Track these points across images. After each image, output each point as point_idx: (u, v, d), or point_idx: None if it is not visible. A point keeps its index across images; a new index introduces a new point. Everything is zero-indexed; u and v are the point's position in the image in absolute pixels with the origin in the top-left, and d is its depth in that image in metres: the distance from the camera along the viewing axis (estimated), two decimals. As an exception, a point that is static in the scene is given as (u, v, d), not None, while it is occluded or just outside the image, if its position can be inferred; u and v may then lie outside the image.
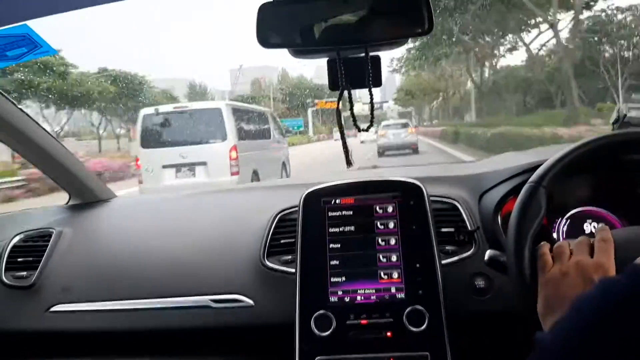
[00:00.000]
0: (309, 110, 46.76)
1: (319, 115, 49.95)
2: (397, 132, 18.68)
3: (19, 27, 1.01)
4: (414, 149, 18.44)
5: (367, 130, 1.07)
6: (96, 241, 1.44)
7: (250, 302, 1.18)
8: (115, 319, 1.24)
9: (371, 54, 0.99)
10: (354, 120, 1.06)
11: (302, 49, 0.96)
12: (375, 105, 1.04)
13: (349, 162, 1.06)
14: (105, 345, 1.29)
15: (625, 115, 1.41)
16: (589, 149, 0.90)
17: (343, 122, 1.05)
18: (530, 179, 0.90)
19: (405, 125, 19.40)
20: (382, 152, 18.47)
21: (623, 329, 0.51)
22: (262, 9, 0.84)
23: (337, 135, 1.11)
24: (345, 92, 1.00)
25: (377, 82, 1.03)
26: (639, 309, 0.52)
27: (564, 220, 1.17)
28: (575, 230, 1.16)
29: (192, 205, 1.60)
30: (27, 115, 1.38)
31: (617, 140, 0.89)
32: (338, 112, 1.07)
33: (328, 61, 1.03)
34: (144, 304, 1.22)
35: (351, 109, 1.07)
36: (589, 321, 0.55)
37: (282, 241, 1.22)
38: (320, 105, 43.45)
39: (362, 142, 24.40)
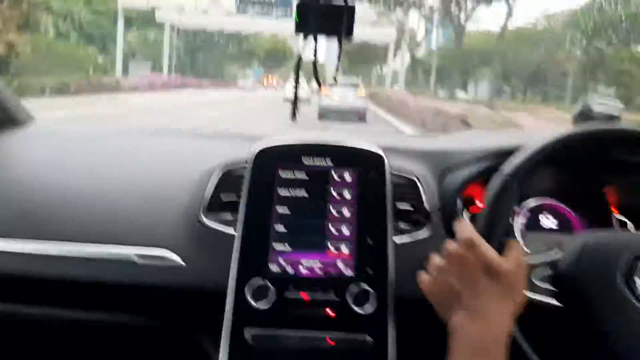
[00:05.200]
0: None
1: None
2: (344, 94, 15.90)
3: None
4: (360, 117, 16.16)
5: (335, 82, 1.01)
6: (11, 170, 1.25)
7: (180, 260, 1.05)
8: (29, 261, 1.08)
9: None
10: (316, 74, 0.98)
11: None
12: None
13: (294, 115, 0.99)
14: (16, 290, 1.14)
15: (591, 110, 1.38)
16: (570, 140, 0.83)
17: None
18: (506, 170, 0.83)
19: (355, 86, 16.75)
20: (323, 114, 15.94)
21: None
22: None
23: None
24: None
25: (349, 32, 0.96)
26: None
27: (523, 211, 1.13)
28: (532, 221, 1.13)
29: (126, 144, 1.43)
30: None
31: (610, 136, 0.83)
32: (297, 65, 0.99)
33: (298, 5, 0.94)
34: (62, 249, 1.07)
35: (314, 61, 0.98)
36: None
37: (223, 198, 1.10)
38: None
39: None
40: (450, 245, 0.74)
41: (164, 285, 1.07)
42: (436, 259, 0.77)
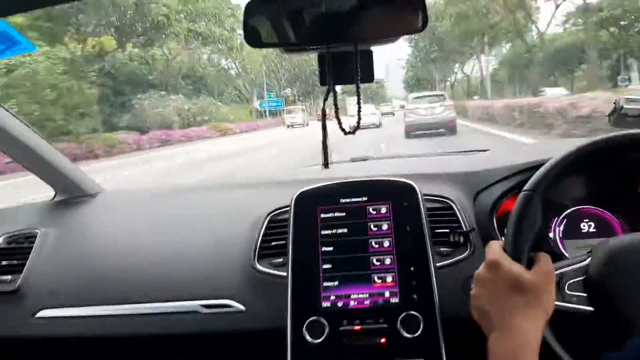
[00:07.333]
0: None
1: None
2: (430, 107, 15.21)
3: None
4: (450, 128, 15.04)
5: (353, 133, 1.02)
6: (82, 242, 1.40)
7: (241, 307, 1.14)
8: (103, 324, 1.20)
9: (362, 48, 0.96)
10: (339, 122, 1.02)
11: (291, 48, 0.93)
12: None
13: (326, 164, 1.02)
14: (93, 351, 1.26)
15: (622, 107, 1.40)
16: (585, 152, 0.86)
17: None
18: (526, 187, 0.87)
19: (440, 98, 15.88)
20: (411, 132, 15.21)
21: None
22: (248, 9, 0.80)
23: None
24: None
25: (369, 78, 1.01)
26: None
27: (560, 220, 1.15)
28: (572, 229, 1.14)
29: (181, 203, 1.56)
30: (6, 109, 1.32)
31: (616, 143, 0.86)
32: (323, 111, 1.04)
33: (318, 56, 1.01)
34: (132, 309, 1.19)
35: (336, 110, 1.04)
36: None
37: (273, 243, 1.19)
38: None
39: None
40: (478, 270, 0.79)
41: (227, 332, 1.16)
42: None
